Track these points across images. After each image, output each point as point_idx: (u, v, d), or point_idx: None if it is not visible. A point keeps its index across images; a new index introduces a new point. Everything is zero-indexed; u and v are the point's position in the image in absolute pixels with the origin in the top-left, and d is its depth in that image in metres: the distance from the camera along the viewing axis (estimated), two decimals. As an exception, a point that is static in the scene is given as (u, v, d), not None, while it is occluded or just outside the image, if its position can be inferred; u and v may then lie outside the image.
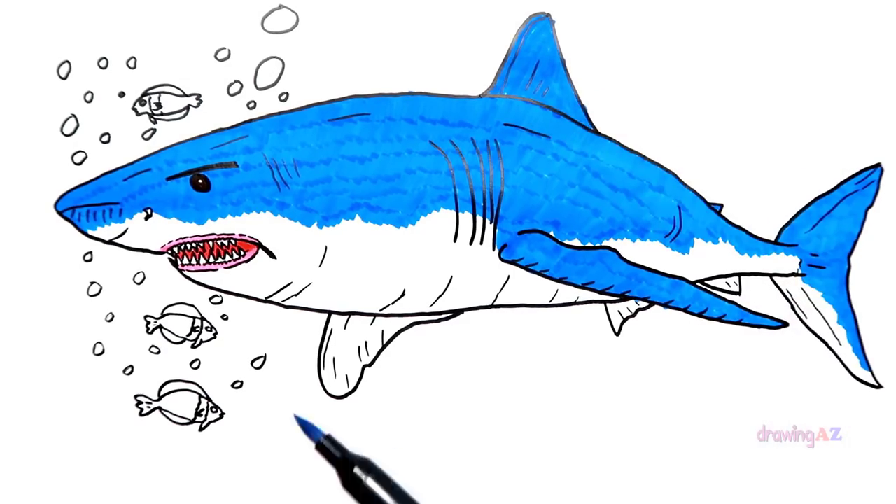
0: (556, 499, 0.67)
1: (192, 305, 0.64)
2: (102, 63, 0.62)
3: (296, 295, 0.64)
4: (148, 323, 0.64)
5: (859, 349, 0.71)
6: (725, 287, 0.71)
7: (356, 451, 0.65)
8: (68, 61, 0.62)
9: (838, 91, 0.70)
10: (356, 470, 0.62)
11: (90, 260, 0.63)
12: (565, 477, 0.67)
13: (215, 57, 0.63)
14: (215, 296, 0.64)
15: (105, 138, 0.63)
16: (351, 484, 0.62)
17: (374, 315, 0.66)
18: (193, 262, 0.63)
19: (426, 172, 0.64)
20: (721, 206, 0.70)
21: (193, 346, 0.65)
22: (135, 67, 0.62)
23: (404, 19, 0.64)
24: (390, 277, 0.65)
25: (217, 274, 0.63)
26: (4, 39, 0.62)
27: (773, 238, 0.71)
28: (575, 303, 0.68)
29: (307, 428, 0.64)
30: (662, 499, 0.68)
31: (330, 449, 0.63)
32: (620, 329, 0.69)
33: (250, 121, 0.63)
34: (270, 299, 0.64)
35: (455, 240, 0.65)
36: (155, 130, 0.63)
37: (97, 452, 0.64)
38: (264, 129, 0.63)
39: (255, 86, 0.63)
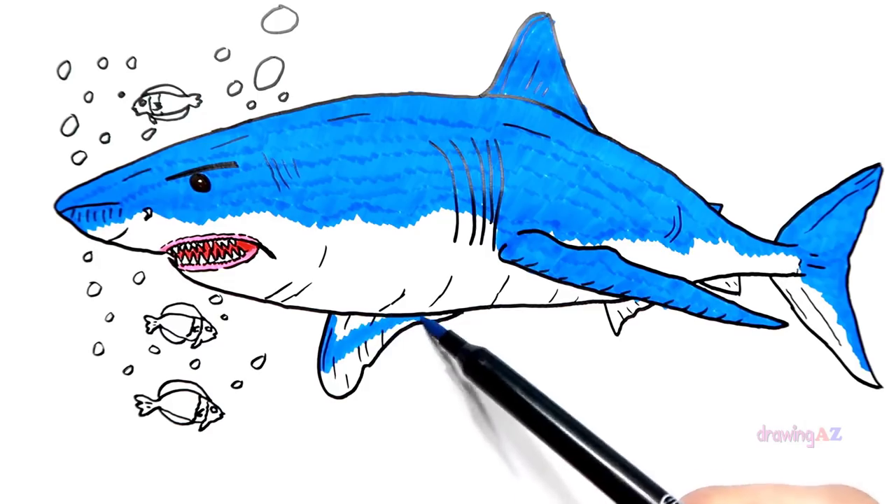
0: (557, 498, 0.67)
1: (192, 305, 0.64)
2: (102, 63, 0.62)
3: (296, 295, 0.64)
4: (148, 323, 0.64)
5: (859, 349, 0.71)
6: (725, 287, 0.71)
7: (354, 449, 0.65)
8: (68, 61, 0.62)
9: (838, 91, 0.70)
10: (478, 358, 0.61)
11: (90, 260, 0.63)
12: (565, 477, 0.67)
13: (215, 57, 0.63)
14: (215, 296, 0.64)
15: (105, 138, 0.63)
16: (471, 369, 0.61)
17: (374, 315, 0.66)
18: (193, 262, 0.63)
19: (426, 172, 0.64)
20: (721, 206, 0.70)
21: (193, 346, 0.65)
22: (135, 67, 0.62)
23: (404, 19, 0.64)
24: (390, 277, 0.65)
25: (217, 274, 0.64)
26: (4, 39, 0.62)
27: (772, 238, 0.71)
28: (575, 303, 0.68)
29: (430, 326, 0.65)
30: (662, 499, 0.68)
31: (453, 340, 0.64)
32: (620, 329, 0.69)
33: (250, 121, 0.63)
34: (270, 299, 0.64)
35: (455, 240, 0.65)
36: (155, 130, 0.63)
37: (97, 452, 0.64)
38: (264, 129, 0.63)
39: (255, 86, 0.63)
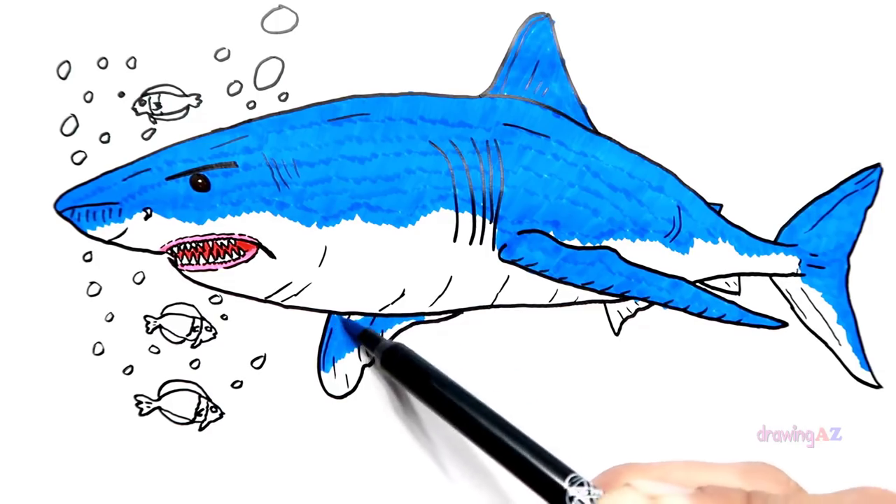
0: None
1: (192, 305, 0.64)
2: (102, 63, 0.62)
3: (296, 295, 0.64)
4: (148, 323, 0.64)
5: (859, 349, 0.71)
6: (725, 287, 0.71)
7: (354, 449, 0.65)
8: (68, 61, 0.62)
9: (838, 91, 0.70)
10: (392, 349, 0.63)
11: (90, 260, 0.63)
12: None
13: (215, 57, 0.63)
14: (215, 296, 0.64)
15: (105, 138, 0.63)
16: (387, 362, 0.63)
17: (374, 315, 0.66)
18: (193, 262, 0.63)
19: (426, 172, 0.64)
20: (721, 206, 0.70)
21: (193, 346, 0.65)
22: (135, 67, 0.62)
23: (404, 19, 0.64)
24: (390, 277, 0.65)
25: (217, 274, 0.63)
26: (4, 39, 0.62)
27: (772, 238, 0.71)
28: (575, 303, 0.68)
29: (347, 324, 0.66)
30: (662, 499, 0.68)
31: (370, 336, 0.65)
32: (620, 329, 0.69)
33: (250, 121, 0.63)
34: (270, 299, 0.64)
35: (455, 240, 0.65)
36: (155, 130, 0.63)
37: (97, 452, 0.64)
38: (264, 129, 0.63)
39: (255, 86, 0.63)
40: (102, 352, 0.64)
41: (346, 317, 0.65)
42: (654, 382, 0.69)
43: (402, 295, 0.65)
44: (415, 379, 0.61)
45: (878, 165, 0.71)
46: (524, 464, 0.54)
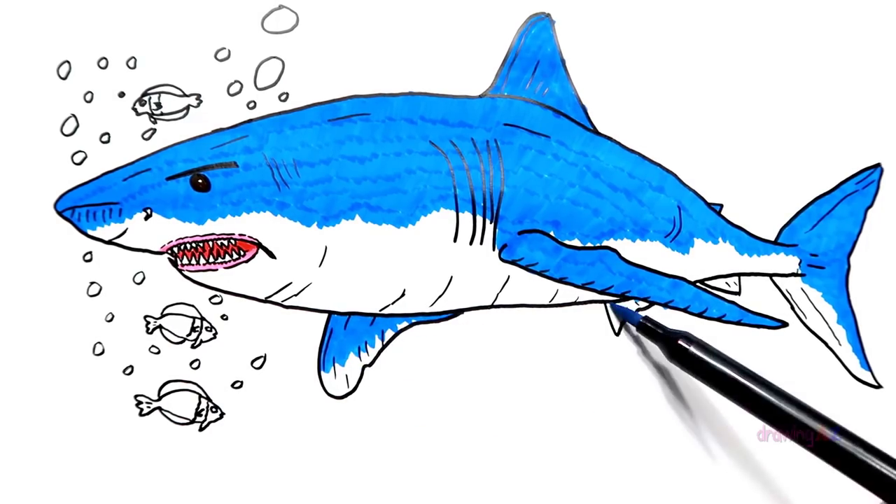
0: (557, 498, 0.67)
1: (192, 305, 0.64)
2: (102, 63, 0.62)
3: (296, 295, 0.64)
4: (148, 323, 0.64)
5: (859, 349, 0.71)
6: (725, 287, 0.71)
7: (354, 449, 0.65)
8: (68, 61, 0.62)
9: (838, 91, 0.70)
10: (680, 342, 0.63)
11: (90, 260, 0.63)
12: (565, 476, 0.67)
13: (215, 57, 0.63)
14: (215, 296, 0.64)
15: (105, 138, 0.63)
16: (678, 355, 0.64)
17: (374, 315, 0.66)
18: (193, 262, 0.63)
19: (426, 172, 0.64)
20: (721, 206, 0.70)
21: (193, 346, 0.65)
22: (135, 67, 0.62)
23: (404, 19, 0.64)
24: (390, 277, 0.65)
25: (217, 274, 0.63)
26: (4, 39, 0.62)
27: (773, 238, 0.71)
28: (575, 303, 0.68)
29: (624, 312, 0.67)
30: (663, 498, 0.68)
31: (651, 326, 0.66)
32: (620, 329, 0.69)
33: (250, 121, 0.63)
34: (270, 299, 0.64)
35: (455, 240, 0.65)
36: (155, 130, 0.63)
37: (97, 452, 0.64)
38: (264, 129, 0.63)
39: (255, 86, 0.63)
40: (102, 352, 0.64)
41: (619, 304, 0.67)
42: (655, 382, 0.69)
43: (403, 295, 0.65)
44: (711, 372, 0.62)
45: (878, 165, 0.71)
46: (865, 467, 0.57)
